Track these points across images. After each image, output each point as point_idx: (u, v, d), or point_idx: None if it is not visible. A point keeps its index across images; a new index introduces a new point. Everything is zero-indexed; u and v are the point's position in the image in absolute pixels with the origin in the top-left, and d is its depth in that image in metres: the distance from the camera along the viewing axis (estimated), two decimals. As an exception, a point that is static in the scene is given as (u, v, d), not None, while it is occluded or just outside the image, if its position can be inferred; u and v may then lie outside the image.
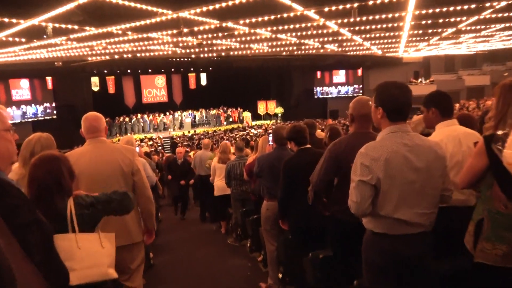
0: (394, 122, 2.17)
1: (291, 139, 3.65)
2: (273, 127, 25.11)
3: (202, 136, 22.43)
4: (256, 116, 30.44)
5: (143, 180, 2.97)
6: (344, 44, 18.35)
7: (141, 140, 22.40)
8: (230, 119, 29.54)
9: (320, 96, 31.78)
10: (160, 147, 20.14)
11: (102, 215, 2.14)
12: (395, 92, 2.15)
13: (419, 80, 29.54)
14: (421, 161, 2.11)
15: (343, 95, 31.40)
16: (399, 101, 2.15)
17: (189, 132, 25.65)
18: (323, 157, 2.86)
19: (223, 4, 8.69)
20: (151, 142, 21.42)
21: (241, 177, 5.85)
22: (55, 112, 23.88)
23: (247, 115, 29.65)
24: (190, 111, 28.93)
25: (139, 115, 26.76)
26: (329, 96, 31.78)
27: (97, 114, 2.99)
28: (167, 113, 27.90)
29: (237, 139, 19.52)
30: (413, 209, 2.11)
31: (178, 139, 22.34)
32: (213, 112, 29.28)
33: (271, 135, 4.68)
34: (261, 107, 31.53)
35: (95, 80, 26.17)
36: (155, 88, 29.55)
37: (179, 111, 28.37)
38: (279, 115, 31.31)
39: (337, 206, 2.82)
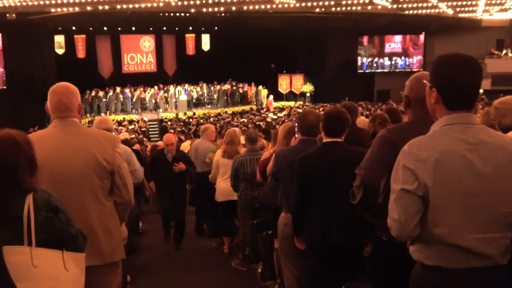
0: (453, 110, 2.13)
1: (326, 129, 3.68)
2: (299, 111, 25.10)
3: (201, 120, 22.59)
4: (276, 96, 30.58)
5: (125, 181, 3.02)
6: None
7: (119, 123, 22.70)
8: (241, 99, 29.86)
9: (366, 71, 31.63)
10: (143, 134, 20.34)
11: (57, 231, 2.18)
12: (456, 69, 2.10)
13: (504, 51, 29.05)
14: (488, 165, 2.06)
15: (397, 70, 31.18)
16: (461, 82, 2.09)
17: (184, 114, 25.88)
18: (375, 145, 2.84)
19: None
20: (132, 126, 21.69)
21: (252, 178, 5.89)
22: (4, 81, 24.25)
23: (264, 93, 29.76)
24: (186, 86, 29.13)
25: (117, 89, 27.17)
26: (378, 70, 31.62)
27: (70, 86, 3.00)
28: (156, 88, 28.26)
29: (250, 126, 19.56)
30: (476, 233, 2.06)
31: (169, 123, 22.54)
32: (218, 88, 29.54)
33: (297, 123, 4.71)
34: (284, 84, 31.52)
35: (59, 39, 26.52)
36: (140, 53, 29.85)
37: (171, 86, 28.64)
38: (308, 95, 31.23)
39: (382, 220, 2.82)
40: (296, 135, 4.52)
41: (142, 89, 27.89)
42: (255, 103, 29.70)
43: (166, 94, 28.09)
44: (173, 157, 7.42)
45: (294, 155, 4.07)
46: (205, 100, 29.42)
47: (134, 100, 27.50)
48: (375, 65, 31.86)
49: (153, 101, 27.68)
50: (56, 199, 2.21)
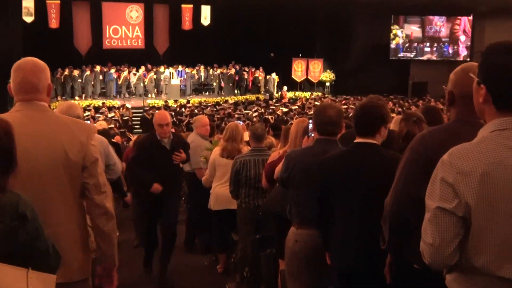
0: (505, 112, 2.11)
1: (357, 126, 3.68)
2: (316, 104, 25.22)
3: (196, 110, 22.64)
4: (289, 84, 30.73)
5: (100, 181, 3.01)
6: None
7: (96, 110, 22.77)
8: (246, 86, 29.99)
9: (400, 57, 31.66)
10: (125, 124, 20.39)
11: (22, 245, 2.15)
12: (510, 62, 2.08)
13: None
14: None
15: (438, 59, 31.19)
16: None
17: (176, 102, 25.94)
18: (404, 161, 2.84)
19: None
20: (112, 115, 21.75)
21: (256, 183, 5.91)
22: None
23: (273, 79, 29.83)
24: (180, 68, 29.29)
25: (96, 68, 27.34)
26: (416, 58, 31.64)
27: (38, 63, 2.99)
28: (143, 69, 28.39)
29: (255, 120, 19.60)
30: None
31: (157, 111, 22.59)
32: (219, 72, 29.67)
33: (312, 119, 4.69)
34: (299, 70, 31.61)
35: (28, 4, 26.60)
36: (126, 26, 29.90)
37: (162, 67, 28.78)
38: (327, 84, 31.30)
39: (414, 243, 2.81)
40: (311, 134, 4.52)
41: (126, 69, 28.13)
42: (263, 93, 29.77)
43: (155, 77, 28.23)
44: (171, 143, 6.66)
45: (310, 158, 4.08)
46: (203, 86, 29.49)
47: (120, 82, 27.65)
48: (411, 51, 31.82)
49: (141, 85, 27.89)
50: (25, 205, 2.19)
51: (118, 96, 27.51)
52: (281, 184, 4.46)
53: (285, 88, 29.56)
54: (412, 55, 31.85)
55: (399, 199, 2.81)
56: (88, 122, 7.95)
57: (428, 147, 2.74)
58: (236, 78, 29.54)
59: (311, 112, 22.68)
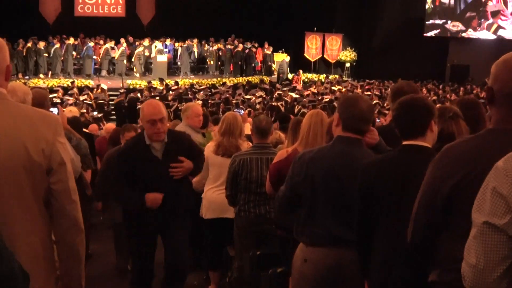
0: None
1: (400, 125, 3.66)
2: (335, 89, 25.16)
3: (185, 95, 22.62)
4: (301, 64, 30.73)
5: (70, 186, 3.01)
6: None
7: (65, 91, 22.73)
8: (247, 66, 29.92)
9: (437, 34, 31.44)
10: (100, 109, 20.37)
11: None
12: None
13: None
14: None
15: (482, 38, 31.01)
16: None
17: (161, 83, 25.90)
18: (425, 177, 2.87)
19: None
20: (84, 97, 21.74)
21: (259, 188, 5.92)
22: None
23: (282, 59, 29.73)
24: (168, 42, 29.33)
25: (69, 40, 27.20)
26: (456, 36, 31.44)
27: None
28: (123, 42, 28.34)
29: (258, 107, 19.61)
30: None
31: (139, 95, 22.58)
32: (216, 48, 29.66)
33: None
34: (313, 47, 31.53)
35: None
36: (102, -11, 29.88)
37: (146, 40, 28.77)
38: (347, 65, 31.14)
39: (441, 268, 2.84)
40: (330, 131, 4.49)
41: (102, 42, 28.06)
42: (265, 74, 29.94)
43: (139, 51, 28.29)
44: (164, 148, 5.70)
45: (327, 159, 4.05)
46: (195, 64, 29.56)
47: (100, 57, 27.70)
48: (451, 28, 31.70)
49: (124, 62, 28.05)
50: None
51: (97, 75, 27.51)
52: (289, 193, 4.35)
53: (300, 71, 29.55)
54: (450, 34, 31.69)
55: (416, 229, 2.86)
56: (56, 110, 7.93)
57: (445, 170, 2.74)
58: (229, 55, 29.60)
59: (327, 98, 22.74)
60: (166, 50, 28.72)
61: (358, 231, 3.68)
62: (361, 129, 4.07)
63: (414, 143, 3.54)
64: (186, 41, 29.34)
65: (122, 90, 23.26)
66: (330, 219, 4.01)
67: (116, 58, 27.95)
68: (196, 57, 29.61)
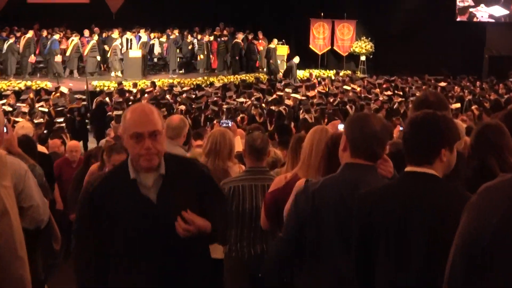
0: None
1: (408, 148, 3.70)
2: (346, 88, 24.91)
3: (163, 99, 22.60)
4: (305, 58, 30.83)
5: (14, 240, 3.07)
6: None
7: (18, 95, 22.62)
8: (250, 60, 30.11)
9: (471, 19, 31.37)
10: (60, 117, 20.31)
11: None
12: None
13: None
14: None
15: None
16: None
17: (134, 86, 25.88)
18: (459, 227, 2.90)
19: None
20: (41, 104, 21.68)
21: (253, 221, 5.94)
22: None
23: (283, 52, 29.66)
24: (142, 33, 29.38)
25: (29, 34, 27.15)
26: (495, 21, 31.37)
27: None
28: (87, 33, 28.41)
29: (254, 111, 19.60)
30: None
31: (107, 99, 22.55)
32: (206, 39, 29.64)
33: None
34: (320, 37, 31.40)
35: None
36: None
37: (115, 31, 28.93)
38: (363, 59, 30.91)
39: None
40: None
41: (62, 34, 27.95)
42: (265, 70, 29.96)
43: (106, 47, 28.28)
44: (161, 183, 4.29)
45: (342, 192, 4.02)
46: (175, 60, 29.59)
47: (69, 53, 27.59)
48: (488, 11, 31.70)
49: (97, 58, 28.21)
50: None
51: (60, 75, 27.51)
52: (290, 230, 4.33)
53: (296, 59, 29.59)
54: (490, 16, 31.71)
55: (453, 278, 2.84)
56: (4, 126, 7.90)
57: (483, 215, 2.73)
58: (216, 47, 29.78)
59: (337, 101, 22.69)
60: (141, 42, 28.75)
61: (356, 269, 3.72)
62: (374, 153, 4.05)
63: (418, 170, 3.59)
64: (169, 32, 29.33)
65: (80, 96, 22.99)
66: (340, 259, 3.99)
67: (85, 54, 27.96)
68: (176, 51, 29.47)
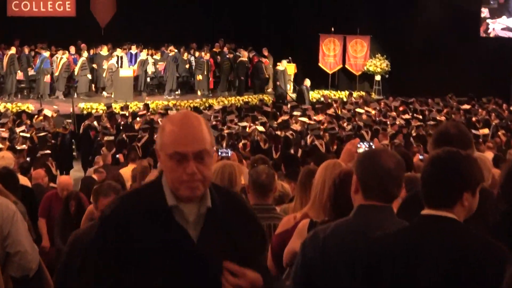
0: None
1: (425, 189, 3.70)
2: (360, 111, 24.68)
3: (160, 121, 22.59)
4: (315, 77, 30.89)
5: None
6: None
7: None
8: (257, 80, 30.19)
9: (498, 35, 31.33)
10: (43, 145, 20.28)
11: None
12: None
13: None
14: None
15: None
16: None
17: (125, 108, 25.83)
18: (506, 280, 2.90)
19: None
20: (22, 128, 21.65)
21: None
22: None
23: (290, 71, 29.65)
24: (133, 50, 29.53)
25: (11, 50, 27.12)
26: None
27: None
28: (73, 50, 28.44)
29: (258, 137, 19.60)
30: None
31: (96, 123, 22.54)
32: (206, 57, 29.62)
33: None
34: (330, 54, 31.31)
35: None
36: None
37: (104, 47, 29.01)
38: (378, 78, 30.72)
39: None
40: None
41: (45, 52, 27.92)
42: (272, 90, 30.20)
43: (94, 65, 28.43)
44: (206, 218, 3.59)
45: (355, 237, 4.00)
46: (171, 80, 29.62)
47: (57, 73, 27.67)
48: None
49: (88, 76, 28.28)
50: None
51: (50, 96, 27.73)
52: (297, 282, 4.28)
53: (307, 82, 29.44)
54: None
55: None
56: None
57: None
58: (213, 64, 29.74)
59: (349, 127, 22.58)
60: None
61: None
62: (389, 194, 4.01)
63: (436, 213, 3.58)
64: (164, 49, 29.39)
65: (66, 122, 23.04)
66: None
67: (76, 73, 28.08)
68: (172, 70, 29.42)
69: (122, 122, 23.05)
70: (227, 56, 30.08)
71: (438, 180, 3.59)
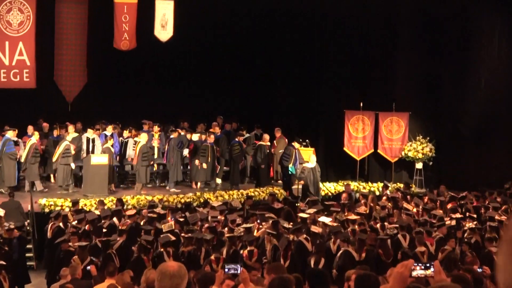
0: None
1: None
2: (407, 218, 24.46)
3: (140, 222, 22.57)
4: (337, 163, 31.19)
5: None
6: None
7: None
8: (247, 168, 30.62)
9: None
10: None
11: None
12: None
13: None
14: None
15: None
16: None
17: (100, 204, 25.89)
18: None
19: None
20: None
21: None
22: None
23: (306, 156, 29.96)
24: (109, 130, 29.65)
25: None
26: None
27: None
28: (30, 131, 28.86)
29: (268, 247, 19.55)
30: None
31: (61, 225, 22.53)
32: (195, 137, 30.15)
33: None
34: (359, 135, 31.64)
35: None
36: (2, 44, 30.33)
37: (70, 127, 29.34)
38: (419, 166, 30.83)
39: None
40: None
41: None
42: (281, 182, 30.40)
43: (59, 149, 28.48)
44: None
45: None
46: (160, 168, 30.00)
47: (24, 157, 28.09)
48: None
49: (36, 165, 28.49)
50: None
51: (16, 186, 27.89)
52: None
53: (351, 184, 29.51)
54: None
55: None
56: None
57: None
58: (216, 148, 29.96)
59: (384, 232, 22.28)
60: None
61: None
62: None
63: None
64: (142, 128, 29.59)
65: (10, 224, 22.72)
66: None
67: (55, 159, 28.28)
68: (158, 155, 29.73)
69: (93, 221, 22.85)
70: (237, 138, 30.39)
71: None
